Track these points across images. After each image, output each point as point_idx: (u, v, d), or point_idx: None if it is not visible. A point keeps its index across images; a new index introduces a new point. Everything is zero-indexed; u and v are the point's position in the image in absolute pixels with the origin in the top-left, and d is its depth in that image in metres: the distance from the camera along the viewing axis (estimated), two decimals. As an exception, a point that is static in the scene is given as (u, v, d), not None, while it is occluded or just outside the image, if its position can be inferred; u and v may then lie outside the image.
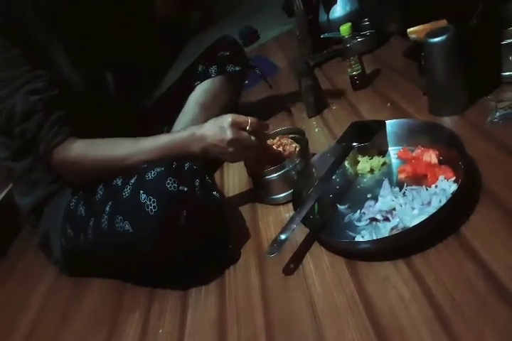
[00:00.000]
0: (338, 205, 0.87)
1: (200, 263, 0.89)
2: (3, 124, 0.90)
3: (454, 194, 0.73)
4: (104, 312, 0.93)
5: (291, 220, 0.81)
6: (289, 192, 0.96)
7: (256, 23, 2.32)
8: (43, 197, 1.02)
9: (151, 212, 0.79)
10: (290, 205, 0.92)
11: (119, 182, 0.89)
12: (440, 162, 0.84)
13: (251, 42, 2.07)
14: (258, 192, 1.03)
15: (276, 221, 0.94)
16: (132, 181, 0.85)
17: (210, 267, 0.90)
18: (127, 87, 1.10)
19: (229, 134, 0.87)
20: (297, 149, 1.00)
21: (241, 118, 0.90)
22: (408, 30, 1.17)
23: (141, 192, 0.81)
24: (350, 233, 0.79)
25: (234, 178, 1.16)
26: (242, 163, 1.04)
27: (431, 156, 0.86)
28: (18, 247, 1.38)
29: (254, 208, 1.01)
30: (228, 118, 0.88)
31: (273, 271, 0.81)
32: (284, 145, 1.01)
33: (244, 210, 1.02)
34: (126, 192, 0.84)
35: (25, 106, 0.87)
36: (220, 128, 0.88)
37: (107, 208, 0.86)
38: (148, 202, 0.79)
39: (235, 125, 0.88)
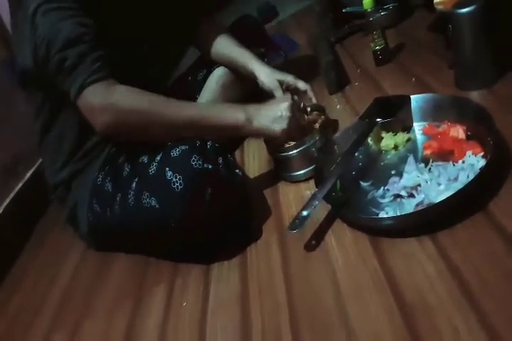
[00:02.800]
0: (361, 182, 0.86)
1: (223, 239, 0.89)
2: (42, 54, 0.84)
3: (483, 169, 0.71)
4: (129, 285, 0.95)
5: (313, 197, 0.80)
6: (310, 169, 0.95)
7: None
8: (72, 173, 1.03)
9: (177, 188, 0.79)
10: (311, 182, 0.91)
11: (145, 159, 0.90)
12: (468, 137, 0.82)
13: (270, 19, 2.03)
14: (278, 170, 1.02)
15: (297, 198, 0.93)
16: (158, 158, 0.85)
17: (232, 243, 0.90)
18: (149, 62, 1.09)
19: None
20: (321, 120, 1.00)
21: None
22: (435, 1, 1.12)
23: (167, 169, 0.81)
24: (374, 209, 0.78)
25: (254, 156, 1.15)
26: (262, 140, 1.03)
27: (458, 131, 0.83)
28: (46, 222, 1.41)
29: (275, 186, 1.00)
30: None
31: (295, 247, 0.81)
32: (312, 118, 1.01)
33: (266, 188, 1.01)
34: (153, 169, 0.84)
35: (72, 33, 0.82)
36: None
37: (134, 184, 0.87)
38: (174, 179, 0.80)
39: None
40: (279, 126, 0.88)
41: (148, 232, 0.89)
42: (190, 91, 1.26)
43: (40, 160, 1.49)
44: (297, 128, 0.91)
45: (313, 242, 0.80)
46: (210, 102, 1.13)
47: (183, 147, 0.83)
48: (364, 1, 1.35)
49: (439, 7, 1.12)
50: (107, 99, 0.83)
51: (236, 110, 0.89)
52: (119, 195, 0.91)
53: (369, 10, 1.33)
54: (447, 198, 0.68)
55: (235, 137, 1.16)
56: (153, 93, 0.87)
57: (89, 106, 0.84)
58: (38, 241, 1.33)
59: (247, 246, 0.88)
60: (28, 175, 1.49)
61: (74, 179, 1.04)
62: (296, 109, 0.91)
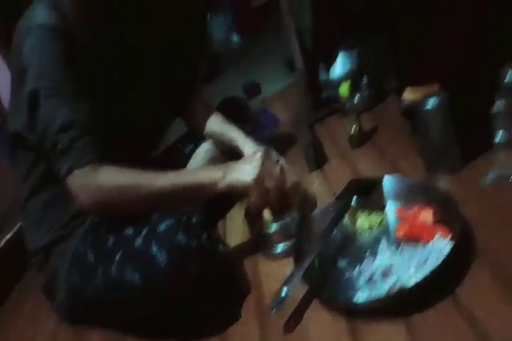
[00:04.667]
0: (338, 261, 0.90)
1: (203, 316, 0.90)
2: (39, 134, 0.90)
3: (450, 253, 0.76)
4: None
5: (292, 276, 0.84)
6: (288, 245, 1.00)
7: (259, 76, 2.44)
8: (53, 240, 1.03)
9: (162, 264, 0.82)
10: (290, 258, 0.95)
11: (130, 231, 0.92)
12: (436, 221, 0.87)
13: (253, 95, 2.16)
14: (259, 245, 1.06)
15: (277, 274, 0.94)
16: (144, 232, 0.88)
17: (212, 320, 0.91)
18: (142, 134, 1.14)
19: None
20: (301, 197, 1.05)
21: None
22: (403, 95, 1.24)
23: (153, 243, 0.84)
24: (350, 290, 0.81)
25: (236, 231, 1.18)
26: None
27: (427, 215, 0.89)
28: (21, 291, 1.38)
29: (256, 261, 1.03)
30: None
31: (274, 326, 0.83)
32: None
33: (246, 263, 1.04)
34: (138, 242, 0.87)
35: (67, 119, 0.88)
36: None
37: (117, 257, 0.89)
38: (159, 255, 0.83)
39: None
40: (250, 176, 0.93)
41: (128, 307, 0.90)
42: (177, 164, 1.32)
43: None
44: (271, 178, 0.96)
45: (292, 321, 0.82)
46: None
47: (169, 222, 0.87)
48: (340, 89, 1.47)
49: (407, 101, 1.24)
50: (92, 181, 0.89)
51: (212, 170, 0.97)
52: (101, 267, 0.92)
53: (345, 95, 1.45)
54: (417, 283, 0.73)
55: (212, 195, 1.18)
56: (134, 168, 0.92)
57: (75, 187, 0.89)
58: (10, 313, 1.30)
59: (227, 323, 0.88)
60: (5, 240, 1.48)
61: (55, 246, 1.04)
62: (268, 158, 0.99)
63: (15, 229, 1.52)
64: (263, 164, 0.95)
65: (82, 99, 0.92)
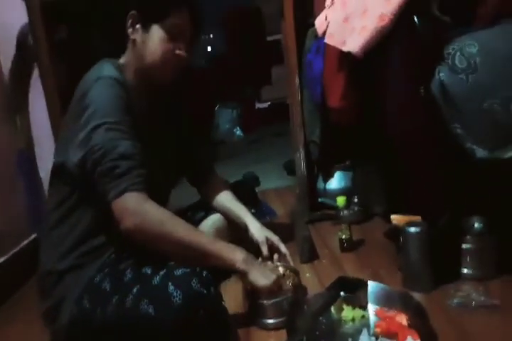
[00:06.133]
0: (323, 342, 1.04)
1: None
2: (96, 158, 1.02)
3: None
4: None
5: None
6: (280, 320, 1.14)
7: (256, 170, 2.71)
8: (69, 266, 1.12)
9: (176, 302, 0.95)
10: (280, 332, 1.08)
11: (148, 270, 1.06)
12: (409, 325, 1.05)
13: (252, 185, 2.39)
14: (252, 314, 1.19)
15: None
16: (162, 273, 1.02)
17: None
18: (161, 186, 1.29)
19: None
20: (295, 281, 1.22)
21: None
22: (392, 216, 1.49)
23: (170, 283, 0.98)
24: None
25: (230, 298, 1.29)
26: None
27: (402, 319, 1.08)
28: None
29: (247, 329, 1.16)
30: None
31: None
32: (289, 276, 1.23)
33: (238, 328, 1.15)
34: (156, 280, 1.00)
35: (128, 151, 1.03)
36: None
37: (134, 290, 1.01)
38: (174, 294, 0.96)
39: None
40: (263, 283, 1.11)
41: (134, 336, 0.99)
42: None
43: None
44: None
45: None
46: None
47: (185, 269, 1.02)
48: (338, 199, 1.71)
49: (394, 222, 1.48)
50: (141, 206, 1.02)
51: (237, 249, 1.12)
52: (117, 296, 1.02)
53: (341, 207, 1.69)
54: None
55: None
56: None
57: (123, 207, 1.02)
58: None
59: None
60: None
61: (69, 272, 1.12)
62: (280, 282, 1.17)
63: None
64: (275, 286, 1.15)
65: (136, 139, 1.09)
